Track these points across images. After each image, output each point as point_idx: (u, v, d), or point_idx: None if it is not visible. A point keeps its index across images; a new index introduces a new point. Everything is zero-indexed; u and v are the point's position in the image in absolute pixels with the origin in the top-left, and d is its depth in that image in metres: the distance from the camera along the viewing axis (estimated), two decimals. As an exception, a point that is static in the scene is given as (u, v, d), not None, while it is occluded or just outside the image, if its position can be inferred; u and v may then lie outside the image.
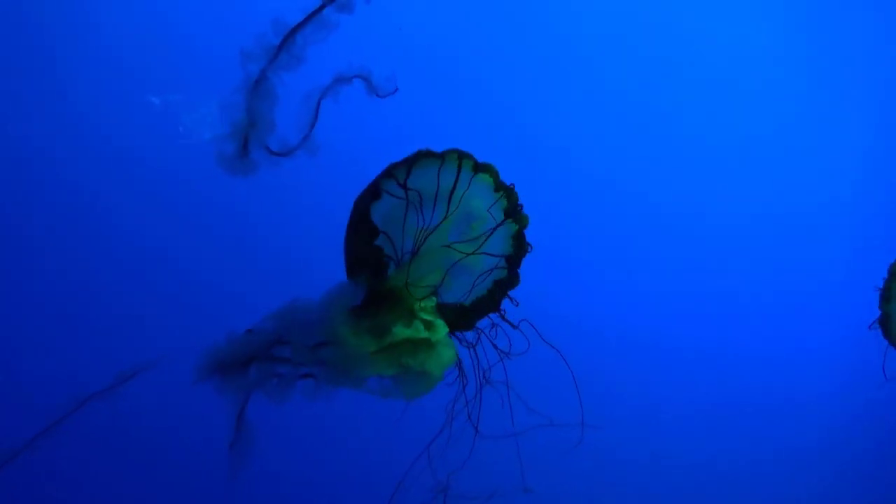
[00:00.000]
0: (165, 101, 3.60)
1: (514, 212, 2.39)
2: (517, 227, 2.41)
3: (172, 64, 3.65)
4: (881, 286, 3.02)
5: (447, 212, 2.34)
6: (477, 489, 2.76)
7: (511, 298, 2.47)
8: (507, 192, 2.37)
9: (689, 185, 4.48)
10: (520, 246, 2.42)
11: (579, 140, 4.36)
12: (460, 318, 2.39)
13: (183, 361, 2.19)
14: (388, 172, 2.28)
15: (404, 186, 2.28)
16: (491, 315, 2.45)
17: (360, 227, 2.26)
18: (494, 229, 2.39)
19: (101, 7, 3.59)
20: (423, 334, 2.25)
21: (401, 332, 2.24)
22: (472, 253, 2.37)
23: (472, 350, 2.42)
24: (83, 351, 3.40)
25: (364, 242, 2.26)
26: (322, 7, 2.17)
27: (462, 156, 2.31)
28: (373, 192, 2.27)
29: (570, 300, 4.19)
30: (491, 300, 2.42)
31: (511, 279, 2.43)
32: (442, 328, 2.30)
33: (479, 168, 2.33)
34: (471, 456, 2.52)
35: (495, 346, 2.44)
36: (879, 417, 4.33)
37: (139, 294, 3.59)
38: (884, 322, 2.97)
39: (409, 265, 2.30)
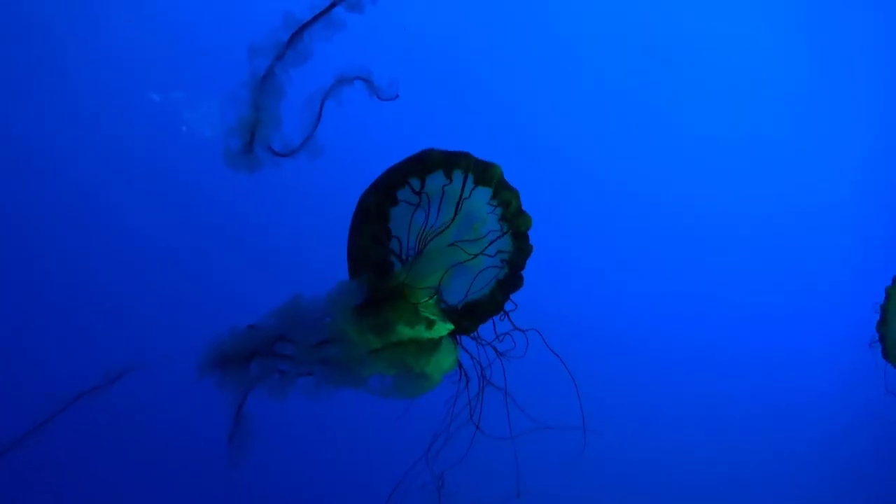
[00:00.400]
0: (167, 99, 3.60)
1: (517, 213, 2.38)
2: (520, 228, 2.40)
3: (174, 62, 3.65)
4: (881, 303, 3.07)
5: (453, 214, 2.34)
6: (475, 490, 2.76)
7: (510, 300, 2.46)
8: (510, 193, 2.37)
9: (689, 188, 4.49)
10: (522, 247, 2.41)
11: (581, 142, 4.36)
12: (463, 319, 2.39)
13: (184, 360, 2.20)
14: (404, 180, 2.27)
15: (419, 193, 2.29)
16: (494, 317, 2.45)
17: (372, 229, 2.26)
18: (500, 236, 2.39)
19: (103, 6, 3.59)
20: (426, 334, 2.25)
21: (404, 330, 2.24)
22: (478, 254, 2.37)
23: (475, 350, 2.43)
24: (87, 347, 3.41)
25: (374, 242, 2.26)
26: (332, 6, 2.17)
27: (468, 159, 2.30)
28: (388, 197, 2.26)
29: (570, 302, 4.20)
30: (493, 301, 2.42)
31: (514, 281, 2.42)
32: (444, 327, 2.30)
33: (484, 170, 2.32)
34: (471, 457, 2.52)
35: (495, 349, 2.44)
36: (881, 419, 4.35)
37: (141, 291, 3.60)
38: (882, 342, 3.03)
39: (414, 265, 2.31)
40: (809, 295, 4.62)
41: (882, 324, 3.02)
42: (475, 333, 2.43)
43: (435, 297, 2.33)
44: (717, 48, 4.52)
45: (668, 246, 4.45)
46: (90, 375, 2.24)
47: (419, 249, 2.33)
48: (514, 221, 2.38)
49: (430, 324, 2.26)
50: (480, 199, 2.36)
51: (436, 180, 2.31)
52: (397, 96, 2.30)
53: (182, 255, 3.64)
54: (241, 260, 3.71)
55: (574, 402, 2.59)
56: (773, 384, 4.54)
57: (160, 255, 3.61)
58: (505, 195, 2.35)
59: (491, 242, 2.39)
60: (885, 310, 3.02)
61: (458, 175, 2.30)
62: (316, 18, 2.18)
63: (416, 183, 2.27)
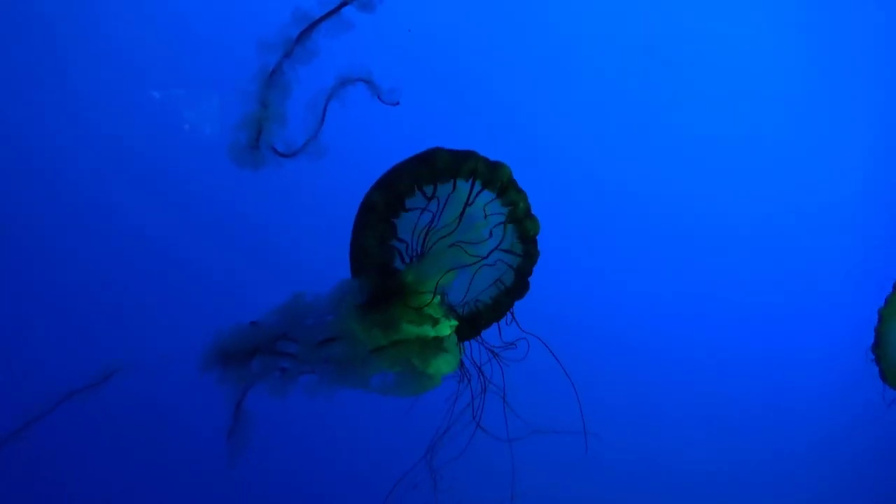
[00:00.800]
0: (167, 96, 3.59)
1: (525, 216, 2.37)
2: (528, 233, 2.38)
3: (175, 58, 3.64)
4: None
5: (458, 217, 2.33)
6: (472, 489, 2.76)
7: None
8: (518, 194, 2.36)
9: (689, 188, 4.48)
10: (529, 252, 2.40)
11: (584, 144, 4.35)
12: (466, 323, 2.39)
13: (185, 359, 2.19)
14: (414, 186, 2.26)
15: (429, 199, 2.28)
16: (498, 322, 2.44)
17: (377, 228, 2.26)
18: (503, 239, 2.38)
19: (103, 2, 3.58)
20: (431, 332, 2.24)
21: (409, 329, 2.24)
22: (484, 257, 2.36)
23: (477, 353, 2.42)
24: (87, 346, 3.40)
25: (379, 242, 2.26)
26: (343, 4, 2.17)
27: (476, 159, 2.29)
28: (397, 200, 2.25)
29: (570, 303, 4.19)
30: (497, 307, 2.41)
31: (520, 287, 2.41)
32: (447, 326, 2.29)
33: (493, 170, 2.31)
34: (470, 459, 2.52)
35: (492, 352, 2.44)
36: (881, 420, 4.35)
37: (141, 290, 3.59)
38: (878, 363, 3.02)
39: (418, 266, 2.30)
40: (809, 296, 4.62)
41: (876, 346, 3.00)
42: (478, 337, 2.43)
43: (439, 297, 2.33)
44: (716, 48, 4.51)
45: (667, 246, 4.45)
46: (89, 374, 2.24)
47: (423, 251, 2.33)
48: (522, 225, 2.37)
49: (434, 322, 2.26)
50: (486, 201, 2.35)
51: (446, 186, 2.30)
52: (398, 103, 2.30)
53: (183, 254, 3.63)
54: (243, 261, 3.70)
55: (574, 404, 2.59)
56: (774, 385, 4.54)
57: (160, 254, 3.60)
58: (512, 195, 2.34)
59: (496, 247, 2.38)
60: (878, 332, 3.00)
61: (467, 168, 2.29)
62: (327, 16, 2.18)
63: (428, 190, 2.27)
